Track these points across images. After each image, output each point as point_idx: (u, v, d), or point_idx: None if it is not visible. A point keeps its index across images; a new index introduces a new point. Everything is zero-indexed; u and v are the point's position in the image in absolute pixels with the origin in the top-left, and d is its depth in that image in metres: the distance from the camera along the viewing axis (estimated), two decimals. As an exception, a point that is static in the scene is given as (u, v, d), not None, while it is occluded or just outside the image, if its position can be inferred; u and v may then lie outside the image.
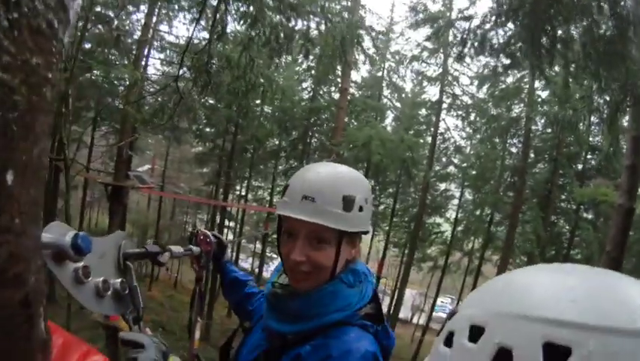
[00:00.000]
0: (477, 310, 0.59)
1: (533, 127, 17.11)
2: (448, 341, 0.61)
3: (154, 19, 15.71)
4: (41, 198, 0.66)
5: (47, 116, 0.63)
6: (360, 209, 1.27)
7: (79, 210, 20.59)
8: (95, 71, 14.64)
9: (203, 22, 11.39)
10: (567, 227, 19.51)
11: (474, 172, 19.99)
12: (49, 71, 0.61)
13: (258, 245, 30.99)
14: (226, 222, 27.29)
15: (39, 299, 0.68)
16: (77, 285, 1.08)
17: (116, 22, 13.87)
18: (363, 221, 1.30)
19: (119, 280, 1.23)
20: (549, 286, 0.55)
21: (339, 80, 20.34)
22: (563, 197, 18.74)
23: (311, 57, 19.87)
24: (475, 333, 0.56)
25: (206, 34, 11.47)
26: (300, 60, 21.52)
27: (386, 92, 23.36)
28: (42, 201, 0.68)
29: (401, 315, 21.06)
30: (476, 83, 18.83)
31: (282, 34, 7.75)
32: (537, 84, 15.74)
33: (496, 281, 0.66)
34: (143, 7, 15.48)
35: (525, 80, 16.04)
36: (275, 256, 32.26)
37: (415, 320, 32.27)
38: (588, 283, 0.54)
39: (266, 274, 33.68)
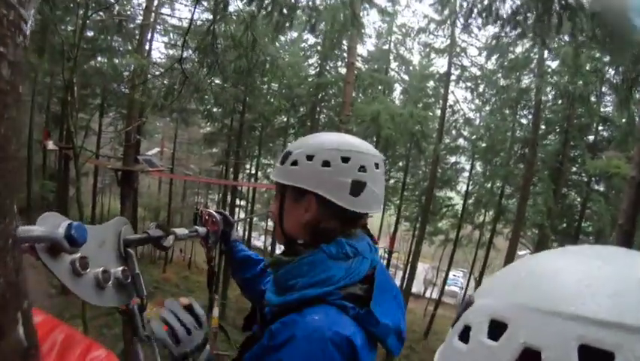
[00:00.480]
0: (497, 303, 0.52)
1: (544, 98, 16.76)
2: (464, 336, 0.54)
3: (155, 2, 15.56)
4: (10, 192, 0.60)
5: (7, 97, 0.57)
6: (294, 163, 1.25)
7: (90, 197, 20.80)
8: (100, 58, 14.63)
9: (205, 3, 11.27)
10: (578, 199, 19.32)
11: (484, 145, 19.78)
12: (2, 44, 0.54)
13: (270, 223, 31.20)
14: (237, 202, 27.46)
15: (14, 305, 0.63)
16: (75, 278, 1.03)
17: (117, 8, 13.76)
18: (299, 177, 1.25)
19: (120, 268, 1.19)
20: (582, 275, 0.48)
21: (345, 54, 20.16)
22: (574, 169, 18.51)
23: (316, 32, 19.82)
24: (496, 329, 0.49)
25: (208, 15, 11.40)
26: (305, 37, 21.43)
27: (393, 65, 23.13)
28: (11, 195, 0.61)
29: (413, 289, 21.16)
30: (485, 54, 18.46)
31: (284, 9, 7.64)
32: (546, 54, 15.42)
33: (517, 267, 0.58)
34: (144, -10, 15.36)
35: (535, 50, 15.72)
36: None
37: (427, 294, 32.51)
38: (628, 272, 0.47)
39: (279, 252, 33.96)
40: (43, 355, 0.82)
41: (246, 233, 28.31)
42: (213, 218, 1.80)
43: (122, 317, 1.30)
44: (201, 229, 1.73)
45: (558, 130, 18.01)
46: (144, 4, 15.04)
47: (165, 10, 17.50)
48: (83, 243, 0.98)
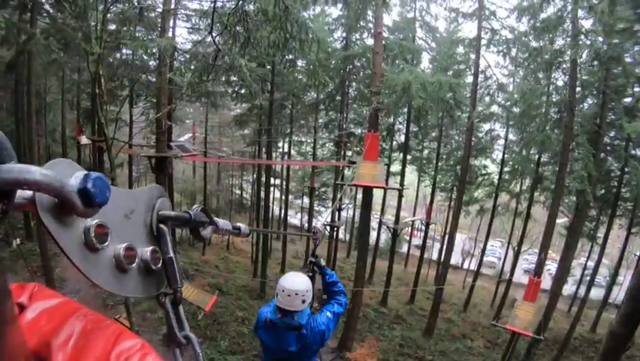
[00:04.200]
0: None
1: (579, 60, 15.95)
2: None
3: (174, -13, 15.50)
4: None
5: None
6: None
7: (127, 186, 21.24)
8: (124, 50, 14.71)
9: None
10: (615, 164, 18.73)
11: (518, 110, 19.13)
12: None
13: (306, 200, 31.39)
14: (272, 180, 27.67)
15: None
16: (87, 253, 0.74)
17: (136, -3, 13.78)
18: None
19: (150, 248, 0.91)
20: None
21: (370, 25, 19.80)
22: (612, 133, 17.83)
23: (339, 5, 19.44)
24: None
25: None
26: (328, 10, 21.09)
27: (420, 33, 22.62)
28: None
29: (452, 261, 21.02)
30: (515, 15, 17.60)
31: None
32: (580, 13, 14.62)
33: None
34: (161, -23, 15.29)
35: (568, 8, 14.95)
36: (323, 209, 32.70)
37: (465, 265, 32.34)
38: None
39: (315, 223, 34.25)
40: (57, 347, 0.68)
41: (282, 212, 28.57)
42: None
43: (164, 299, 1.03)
44: (244, 227, 1.54)
45: (595, 92, 17.26)
46: (163, -9, 15.01)
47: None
48: (103, 203, 0.68)
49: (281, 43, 10.14)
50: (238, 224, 1.52)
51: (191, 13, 17.73)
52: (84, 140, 17.16)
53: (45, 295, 0.76)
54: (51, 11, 15.35)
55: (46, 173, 0.61)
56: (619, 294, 25.24)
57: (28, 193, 0.64)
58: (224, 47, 9.64)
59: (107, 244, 0.77)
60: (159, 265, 0.93)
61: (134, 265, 0.85)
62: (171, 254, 0.96)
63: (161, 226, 0.98)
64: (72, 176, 0.66)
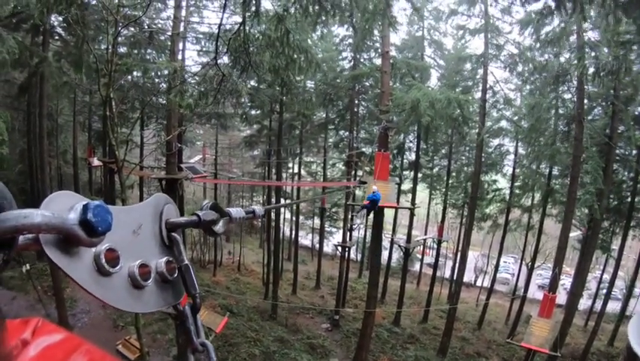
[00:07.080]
0: None
1: (585, 73, 15.84)
2: None
3: (183, 12, 15.74)
4: None
5: None
6: None
7: (137, 209, 21.40)
8: (135, 73, 14.92)
9: (232, 7, 11.30)
10: (626, 174, 18.64)
11: (526, 125, 19.08)
12: None
13: (317, 221, 31.30)
14: (282, 201, 27.66)
15: None
16: (100, 279, 0.73)
17: (147, 21, 13.96)
18: None
19: (164, 259, 0.89)
20: None
21: (377, 45, 19.93)
22: (621, 144, 17.69)
23: (346, 26, 19.62)
24: None
25: (238, 18, 11.40)
26: (336, 31, 21.28)
27: (428, 51, 22.74)
28: None
29: (464, 278, 20.82)
30: (519, 28, 17.49)
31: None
32: (585, 24, 14.56)
33: None
34: (171, 2, 15.58)
35: (572, 19, 14.89)
36: (334, 230, 32.60)
37: (478, 283, 32.00)
38: None
39: (326, 248, 34.23)
40: None
41: (293, 232, 28.51)
42: None
43: (174, 321, 0.94)
44: (258, 209, 1.54)
45: (604, 103, 17.17)
46: (172, 15, 15.28)
47: (194, 18, 17.74)
48: (106, 231, 0.67)
49: (281, 69, 10.28)
50: (252, 207, 1.46)
51: (200, 36, 18.01)
52: (95, 161, 17.39)
53: (48, 330, 0.74)
54: (63, 34, 15.67)
55: (44, 213, 0.60)
56: (636, 306, 24.79)
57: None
58: (228, 71, 9.75)
59: (119, 267, 0.75)
60: (175, 274, 0.90)
61: (150, 280, 0.83)
62: (186, 261, 0.93)
63: (173, 234, 0.95)
64: (72, 209, 0.65)
